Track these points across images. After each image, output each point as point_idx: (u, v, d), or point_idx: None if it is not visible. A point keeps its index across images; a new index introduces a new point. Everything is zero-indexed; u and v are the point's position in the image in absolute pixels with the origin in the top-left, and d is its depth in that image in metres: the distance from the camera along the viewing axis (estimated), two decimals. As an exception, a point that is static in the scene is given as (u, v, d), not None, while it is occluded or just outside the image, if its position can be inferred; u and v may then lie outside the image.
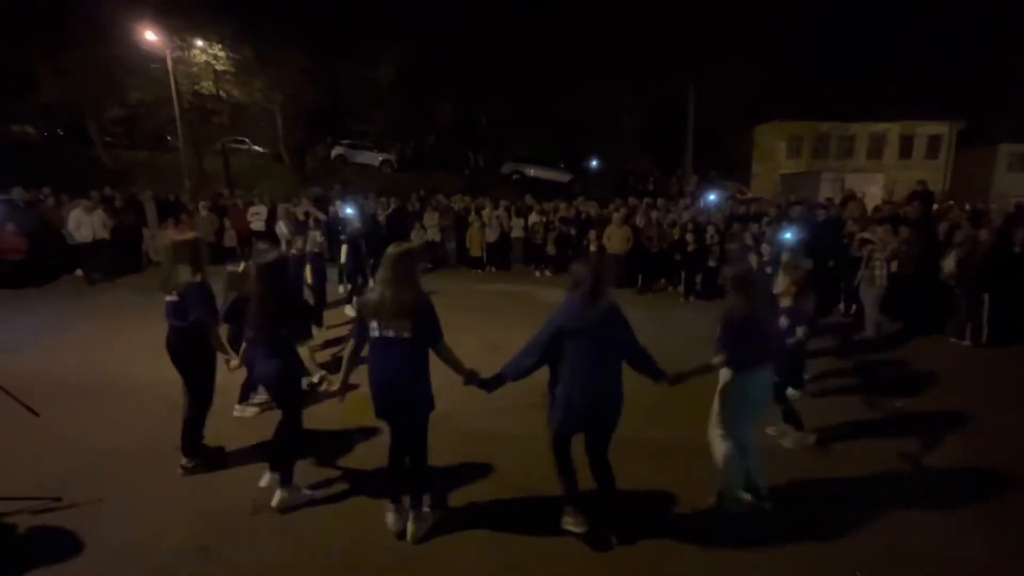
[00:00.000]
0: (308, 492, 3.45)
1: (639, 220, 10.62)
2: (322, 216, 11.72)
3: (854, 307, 7.96)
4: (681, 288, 9.63)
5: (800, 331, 4.12)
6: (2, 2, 18.37)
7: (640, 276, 10.15)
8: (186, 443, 3.77)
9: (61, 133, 25.68)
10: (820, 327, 6.13)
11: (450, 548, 3.05)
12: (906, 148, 29.05)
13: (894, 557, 3.02)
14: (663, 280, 10.17)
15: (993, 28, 33.21)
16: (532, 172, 25.52)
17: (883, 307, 7.05)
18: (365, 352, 3.02)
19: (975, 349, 6.72)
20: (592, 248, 10.29)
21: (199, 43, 19.61)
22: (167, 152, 23.59)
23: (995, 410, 4.93)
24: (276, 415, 3.54)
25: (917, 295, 7.32)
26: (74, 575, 2.86)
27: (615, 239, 10.02)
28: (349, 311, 7.79)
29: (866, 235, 7.43)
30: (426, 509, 3.19)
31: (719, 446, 3.27)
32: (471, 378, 3.06)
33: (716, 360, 3.18)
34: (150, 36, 17.26)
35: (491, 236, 11.83)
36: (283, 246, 7.63)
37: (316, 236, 7.23)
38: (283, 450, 3.45)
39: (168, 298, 3.59)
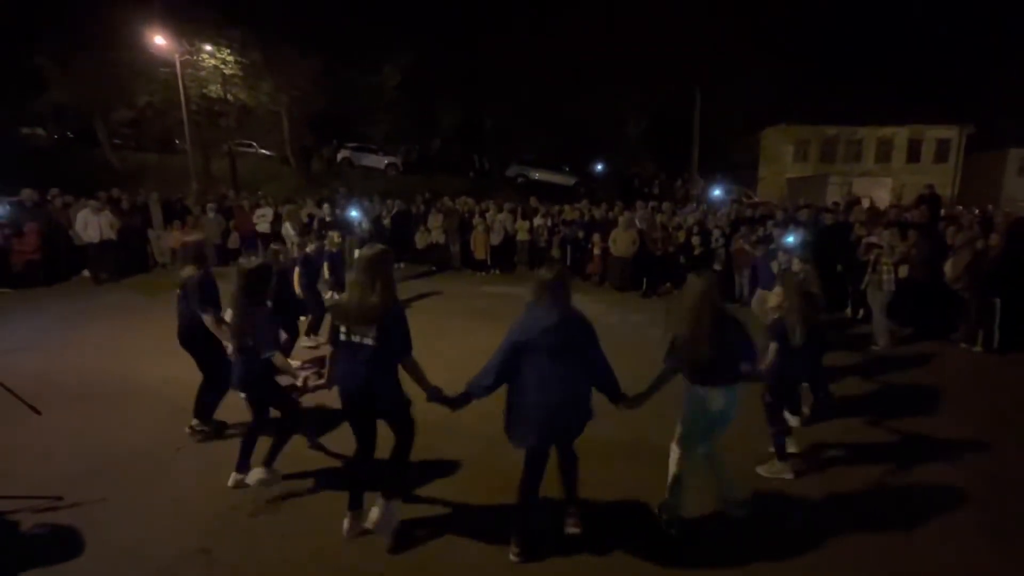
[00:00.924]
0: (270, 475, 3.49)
1: (639, 222, 10.59)
2: (327, 219, 11.79)
3: (861, 311, 7.89)
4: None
5: (771, 349, 3.77)
6: (12, 5, 18.61)
7: (645, 279, 10.12)
8: (198, 408, 4.14)
9: (71, 135, 25.94)
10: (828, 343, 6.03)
11: (448, 549, 3.03)
12: (914, 152, 28.88)
13: (897, 564, 2.97)
14: (668, 284, 10.13)
15: (1002, 32, 32.96)
16: (537, 175, 25.53)
17: (891, 312, 6.97)
18: None
19: (987, 355, 6.62)
20: (596, 251, 10.27)
21: (208, 47, 19.78)
22: (175, 154, 23.80)
23: (1005, 417, 4.86)
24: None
25: (925, 300, 7.24)
26: (74, 575, 2.85)
27: (621, 242, 9.99)
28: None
29: (873, 239, 7.36)
30: (396, 509, 3.08)
31: (673, 463, 3.18)
32: (434, 395, 2.92)
33: (664, 371, 3.06)
34: (159, 40, 17.43)
35: (495, 239, 11.83)
36: (290, 248, 7.66)
37: (334, 236, 7.52)
38: (274, 443, 3.54)
39: (178, 291, 4.08)
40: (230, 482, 3.54)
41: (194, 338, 4.04)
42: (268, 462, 3.49)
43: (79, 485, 3.55)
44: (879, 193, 18.22)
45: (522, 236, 11.98)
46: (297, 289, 6.10)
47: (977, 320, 6.75)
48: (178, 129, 20.11)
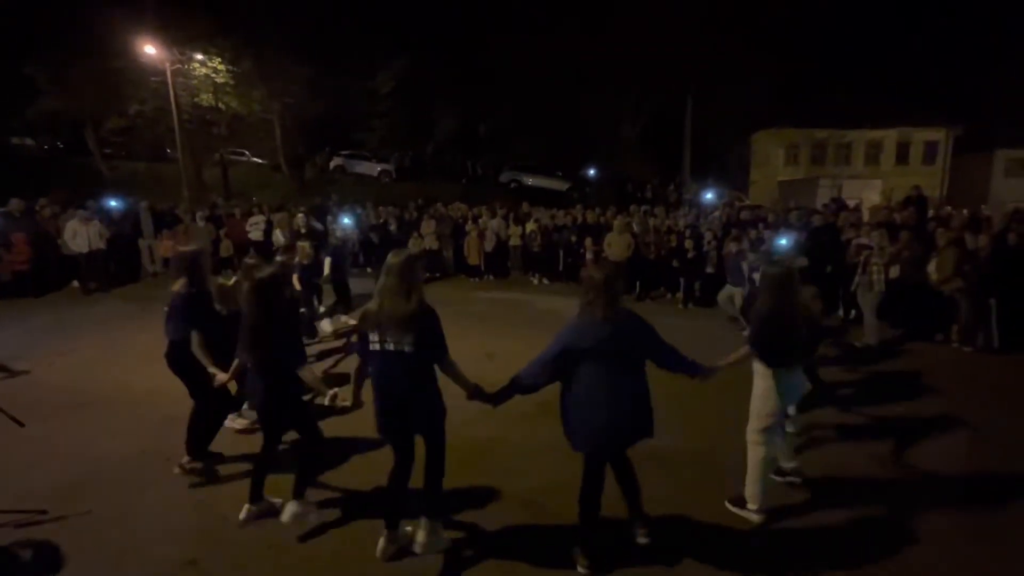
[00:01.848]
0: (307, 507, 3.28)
1: (635, 226, 10.61)
2: (319, 226, 11.74)
3: (852, 312, 7.92)
4: (680, 295, 9.60)
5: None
6: (2, 15, 18.54)
7: (638, 283, 10.12)
8: (190, 443, 3.77)
9: (61, 145, 25.81)
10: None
11: (447, 564, 2.95)
12: (903, 154, 29.16)
13: (896, 565, 2.96)
14: (662, 287, 10.15)
15: (989, 34, 33.44)
16: (530, 181, 25.59)
17: (882, 313, 7.00)
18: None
19: (986, 356, 6.59)
20: (588, 255, 10.26)
21: (199, 56, 19.76)
22: (166, 163, 23.70)
23: (996, 417, 4.88)
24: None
25: (915, 300, 7.26)
26: (58, 590, 2.80)
27: (616, 246, 9.99)
28: (326, 326, 7.45)
29: (863, 240, 7.40)
30: (442, 530, 3.01)
31: (755, 451, 3.26)
32: (476, 393, 2.88)
33: (743, 350, 3.21)
34: (150, 50, 17.40)
35: (489, 245, 11.82)
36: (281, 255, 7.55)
37: (305, 247, 7.02)
38: (299, 470, 3.28)
39: (165, 308, 3.72)
40: (242, 515, 3.23)
41: (180, 360, 3.69)
42: (299, 493, 3.19)
43: (64, 497, 3.49)
44: (869, 195, 18.39)
45: (515, 242, 11.97)
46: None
47: (973, 321, 6.74)
48: (169, 138, 20.01)
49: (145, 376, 5.50)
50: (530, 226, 12.06)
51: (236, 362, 3.41)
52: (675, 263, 9.66)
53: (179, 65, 18.63)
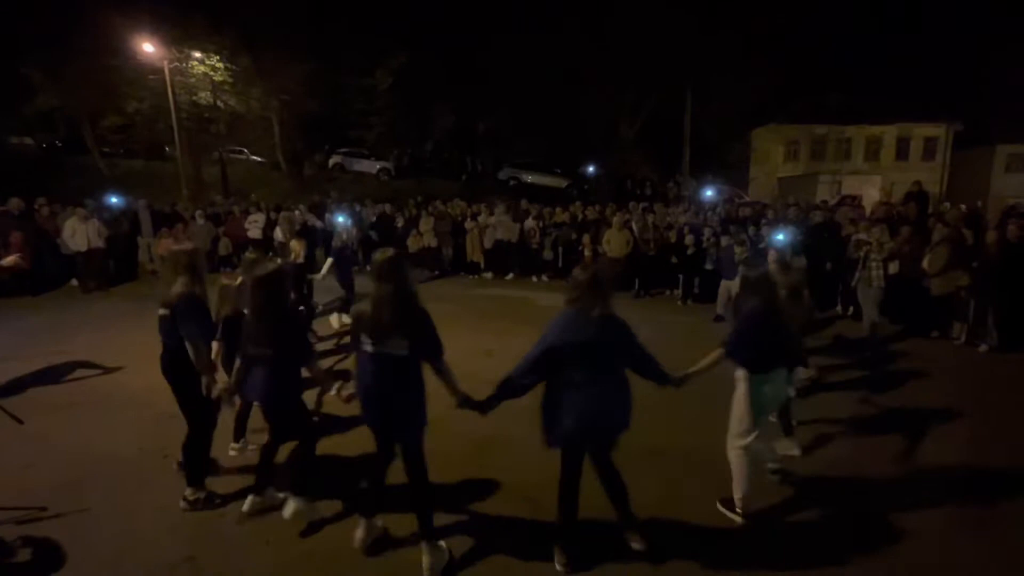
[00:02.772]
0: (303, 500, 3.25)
1: (635, 224, 10.60)
2: (319, 223, 11.73)
3: (851, 308, 7.92)
4: (679, 292, 9.60)
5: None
6: (0, 13, 18.50)
7: (637, 280, 10.12)
8: (189, 471, 3.45)
9: (59, 144, 25.77)
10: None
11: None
12: (903, 150, 29.15)
13: (893, 562, 2.97)
14: (661, 285, 10.14)
15: (988, 30, 33.36)
16: (529, 178, 25.56)
17: (882, 309, 6.99)
18: None
19: (989, 353, 6.56)
20: (587, 252, 10.25)
21: (197, 54, 19.71)
22: (165, 161, 23.67)
23: (994, 414, 4.89)
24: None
25: (916, 296, 7.25)
26: (57, 586, 2.80)
27: (615, 243, 9.98)
28: (334, 322, 7.51)
29: (862, 236, 7.40)
30: (441, 543, 2.95)
31: (737, 460, 3.23)
32: (465, 401, 2.84)
33: (715, 354, 3.14)
34: (148, 48, 17.35)
35: (488, 242, 11.81)
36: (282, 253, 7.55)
37: (295, 246, 6.94)
38: (298, 467, 3.27)
39: (160, 312, 3.26)
40: (245, 507, 3.26)
41: (183, 372, 3.31)
42: (299, 489, 3.17)
43: (63, 494, 3.50)
44: (869, 191, 18.40)
45: (514, 238, 11.95)
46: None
47: (978, 318, 6.71)
48: (168, 136, 19.97)
49: (143, 374, 5.48)
50: (528, 223, 12.05)
51: (238, 363, 3.34)
52: (674, 260, 9.66)
53: (177, 63, 18.62)
